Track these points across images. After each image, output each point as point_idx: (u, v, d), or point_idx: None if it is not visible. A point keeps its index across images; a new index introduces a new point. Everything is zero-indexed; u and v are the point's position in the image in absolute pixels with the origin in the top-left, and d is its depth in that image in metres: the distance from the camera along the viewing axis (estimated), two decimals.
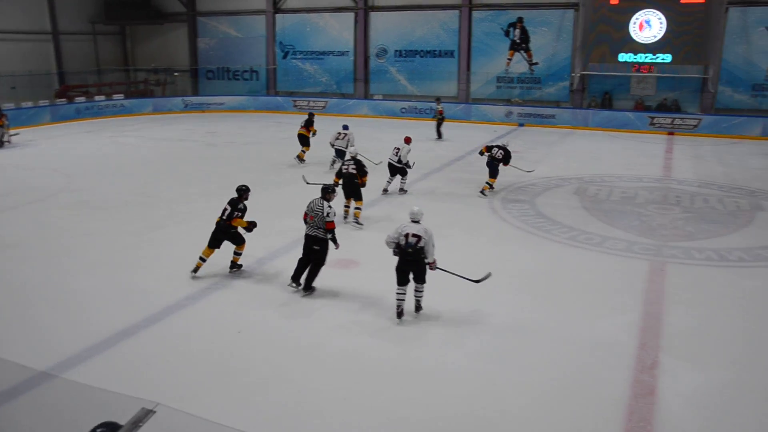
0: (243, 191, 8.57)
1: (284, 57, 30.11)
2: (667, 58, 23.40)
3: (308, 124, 16.77)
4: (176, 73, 31.65)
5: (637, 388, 5.93)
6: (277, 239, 10.16)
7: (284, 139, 20.91)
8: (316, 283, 8.07)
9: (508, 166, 13.44)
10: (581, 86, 25.45)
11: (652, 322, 7.35)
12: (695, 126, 22.78)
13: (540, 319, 7.43)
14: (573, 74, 25.33)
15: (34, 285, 8.44)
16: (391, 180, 13.40)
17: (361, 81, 28.66)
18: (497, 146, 13.29)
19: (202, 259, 8.51)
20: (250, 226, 8.46)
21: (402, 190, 13.51)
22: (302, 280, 8.06)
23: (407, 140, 13.51)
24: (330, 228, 7.82)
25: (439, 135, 21.41)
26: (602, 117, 24.15)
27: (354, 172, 11.13)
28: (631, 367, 6.31)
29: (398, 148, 13.16)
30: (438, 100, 22.96)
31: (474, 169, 16.12)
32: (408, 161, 13.16)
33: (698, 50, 23.31)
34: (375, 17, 28.20)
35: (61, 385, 5.09)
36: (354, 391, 5.84)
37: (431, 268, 7.29)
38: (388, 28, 28.00)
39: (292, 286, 8.05)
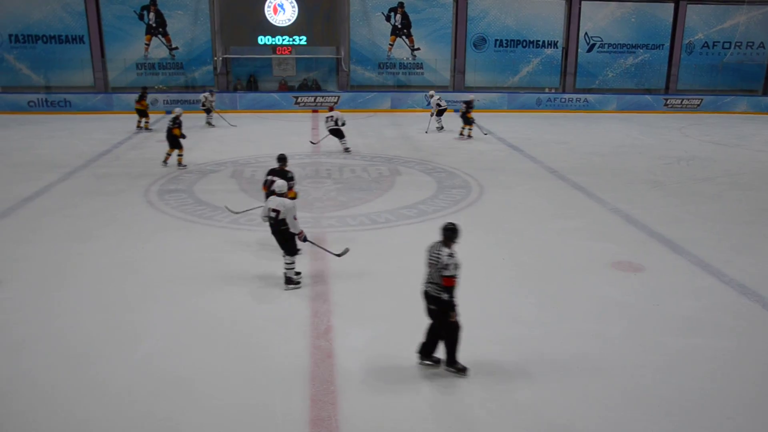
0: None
1: None
2: (303, 39, 24.64)
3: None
4: None
5: (316, 354, 6.12)
6: None
7: None
8: None
9: None
10: (225, 69, 25.50)
11: (320, 290, 7.66)
12: (335, 102, 24.47)
13: (215, 305, 7.24)
14: (215, 58, 25.21)
15: None
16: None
17: None
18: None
19: None
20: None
21: (347, 150, 16.16)
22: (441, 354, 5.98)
23: (331, 108, 16.93)
24: (448, 285, 5.59)
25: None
26: (249, 99, 24.54)
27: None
28: (308, 335, 6.50)
29: (331, 116, 15.90)
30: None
31: (124, 162, 15.08)
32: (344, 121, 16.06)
33: (330, 33, 25.04)
34: None
35: None
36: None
37: (300, 239, 7.60)
38: None
39: (425, 364, 5.97)
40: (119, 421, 5.10)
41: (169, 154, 14.41)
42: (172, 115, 14.19)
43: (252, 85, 25.79)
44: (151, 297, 7.50)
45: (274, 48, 24.89)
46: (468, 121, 18.67)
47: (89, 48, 24.74)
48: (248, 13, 24.45)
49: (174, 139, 14.15)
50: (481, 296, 7.48)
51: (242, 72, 25.93)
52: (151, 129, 19.71)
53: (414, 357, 5.98)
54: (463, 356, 5.87)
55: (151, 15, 24.85)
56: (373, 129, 20.35)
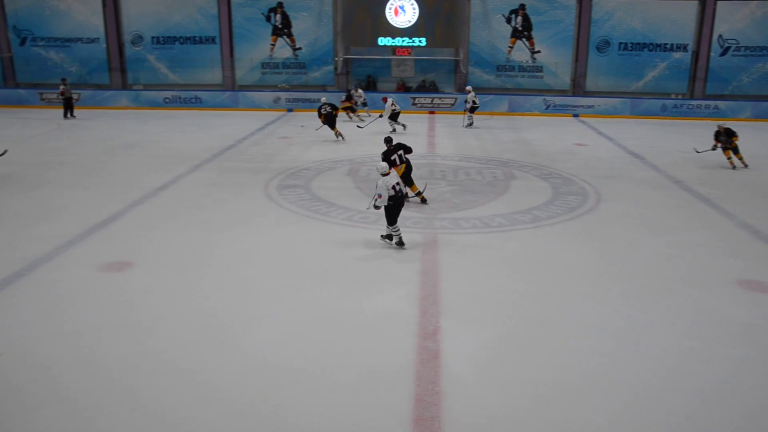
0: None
1: (22, 44, 26.88)
2: (423, 41, 24.82)
3: None
4: None
5: (423, 354, 6.16)
6: (37, 247, 9.02)
7: (33, 137, 18.77)
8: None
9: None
10: (345, 70, 26.10)
11: (430, 291, 7.70)
12: (452, 105, 24.51)
13: (325, 300, 7.43)
14: (336, 58, 25.86)
15: None
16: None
17: (117, 70, 26.61)
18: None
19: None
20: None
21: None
22: None
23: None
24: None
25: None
26: (367, 99, 24.93)
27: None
28: (415, 335, 6.55)
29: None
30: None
31: (246, 157, 15.81)
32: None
33: (449, 34, 25.07)
34: (126, 2, 26.23)
35: None
36: (141, 401, 5.36)
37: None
38: (143, 14, 26.23)
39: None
40: (232, 405, 5.36)
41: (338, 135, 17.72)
42: (321, 103, 18.08)
43: (370, 86, 26.25)
44: (266, 288, 7.81)
45: (393, 49, 25.22)
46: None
47: (220, 48, 26.10)
48: (369, 14, 24.92)
49: (332, 119, 17.80)
50: (593, 308, 7.27)
51: (361, 72, 26.44)
52: (363, 118, 21.97)
53: (522, 362, 5.91)
54: (570, 366, 5.75)
55: (278, 16, 25.85)
56: (490, 132, 20.19)
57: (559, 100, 24.73)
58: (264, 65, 26.27)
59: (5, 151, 13.73)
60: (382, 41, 25.00)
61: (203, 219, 10.55)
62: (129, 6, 26.24)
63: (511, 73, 25.96)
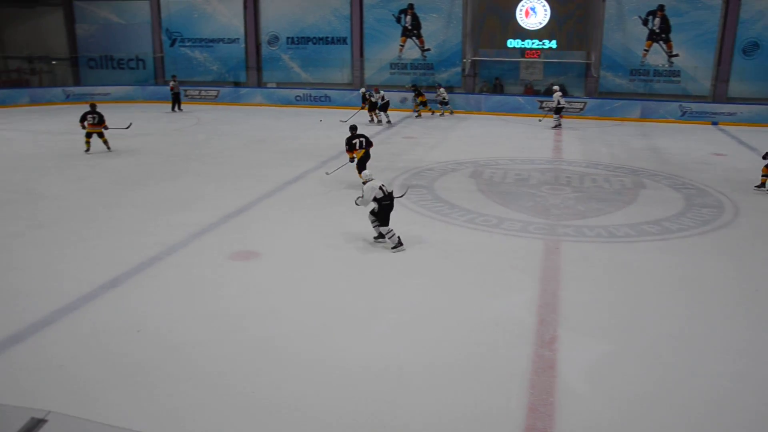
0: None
1: (172, 45, 28.98)
2: (553, 44, 24.32)
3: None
4: (54, 62, 29.77)
5: (538, 363, 6.10)
6: (173, 234, 9.75)
7: (177, 130, 20.17)
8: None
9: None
10: (473, 71, 26.04)
11: (549, 299, 7.59)
12: (581, 109, 23.85)
13: (442, 300, 7.50)
14: (464, 60, 25.85)
15: None
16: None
17: (253, 69, 28.03)
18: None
19: None
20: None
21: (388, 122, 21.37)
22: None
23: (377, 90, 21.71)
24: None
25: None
26: (494, 101, 24.81)
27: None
28: (531, 342, 6.48)
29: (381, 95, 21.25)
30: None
31: (372, 155, 16.14)
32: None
33: (581, 37, 24.40)
34: (265, 4, 27.61)
35: None
36: (258, 390, 5.68)
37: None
38: (279, 15, 27.51)
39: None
40: (344, 394, 5.55)
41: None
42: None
43: (497, 88, 26.03)
44: (382, 284, 7.98)
45: (522, 51, 24.88)
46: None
47: (350, 48, 26.84)
48: (499, 16, 24.73)
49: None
50: (723, 328, 6.88)
51: (489, 74, 26.28)
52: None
53: (643, 381, 5.73)
54: (696, 389, 5.51)
55: (408, 18, 26.21)
56: (619, 138, 19.47)
57: (696, 106, 23.40)
58: (392, 66, 26.72)
59: (130, 125, 17.07)
60: (511, 43, 24.74)
61: (327, 214, 10.93)
62: (267, 8, 27.55)
63: (646, 78, 24.86)
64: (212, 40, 28.41)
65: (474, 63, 25.98)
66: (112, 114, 23.40)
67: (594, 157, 16.14)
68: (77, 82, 29.26)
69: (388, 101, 21.76)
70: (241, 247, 9.19)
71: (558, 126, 20.84)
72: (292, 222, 10.52)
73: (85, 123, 15.95)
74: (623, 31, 24.63)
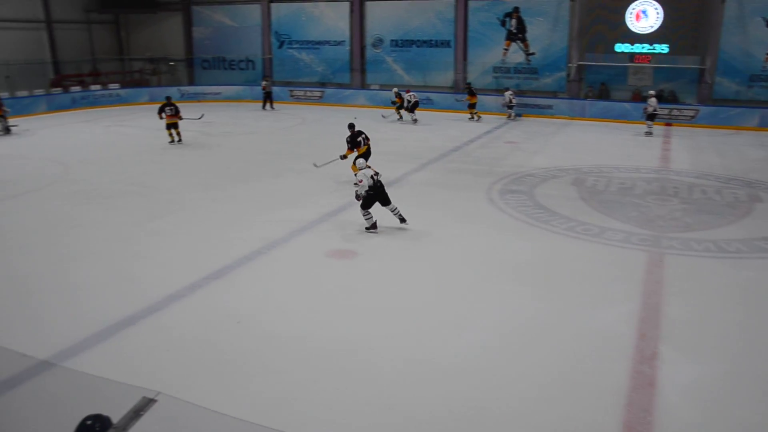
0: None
1: (280, 46, 29.95)
2: (664, 48, 23.36)
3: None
4: (172, 63, 31.49)
5: (637, 379, 5.94)
6: (275, 229, 10.15)
7: (281, 129, 20.85)
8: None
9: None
10: (578, 76, 25.39)
11: (651, 313, 7.35)
12: (693, 117, 22.78)
13: (539, 310, 7.42)
14: (570, 64, 25.25)
15: (34, 274, 8.42)
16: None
17: (357, 71, 28.53)
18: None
19: None
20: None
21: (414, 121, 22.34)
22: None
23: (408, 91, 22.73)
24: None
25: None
26: (599, 107, 24.11)
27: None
28: (630, 358, 6.31)
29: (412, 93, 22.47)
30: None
31: (471, 159, 16.14)
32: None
33: (695, 40, 23.30)
34: (370, 7, 28.04)
35: (61, 374, 5.07)
36: (349, 385, 5.84)
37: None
38: (384, 18, 27.86)
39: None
40: (434, 394, 5.61)
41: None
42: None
43: (603, 93, 25.27)
44: (476, 289, 7.98)
45: (631, 56, 24.02)
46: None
47: (454, 52, 26.81)
48: (608, 19, 23.99)
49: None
50: None
51: (595, 79, 25.53)
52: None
53: (750, 405, 5.47)
54: None
55: (513, 21, 25.87)
56: (734, 148, 18.46)
57: None
58: (495, 69, 26.47)
59: (202, 115, 18.95)
60: (620, 47, 23.92)
61: (425, 216, 11.02)
62: (373, 11, 27.99)
63: (766, 84, 23.41)
64: (318, 43, 29.15)
65: (580, 67, 25.32)
66: (220, 112, 24.59)
67: (705, 168, 15.43)
68: (191, 82, 30.83)
69: (417, 101, 22.88)
70: (338, 246, 9.45)
71: (649, 133, 20.09)
72: (391, 222, 10.69)
73: (163, 115, 17.73)
74: (744, 33, 23.27)
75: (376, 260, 8.99)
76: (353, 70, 28.61)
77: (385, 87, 27.76)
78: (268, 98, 26.21)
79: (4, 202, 11.91)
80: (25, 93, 24.07)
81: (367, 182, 9.80)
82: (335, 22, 28.61)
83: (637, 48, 23.62)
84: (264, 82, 26.49)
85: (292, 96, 28.33)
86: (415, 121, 22.58)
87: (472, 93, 23.78)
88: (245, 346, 6.52)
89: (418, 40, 27.39)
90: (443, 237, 10.01)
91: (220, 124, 21.99)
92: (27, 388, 4.44)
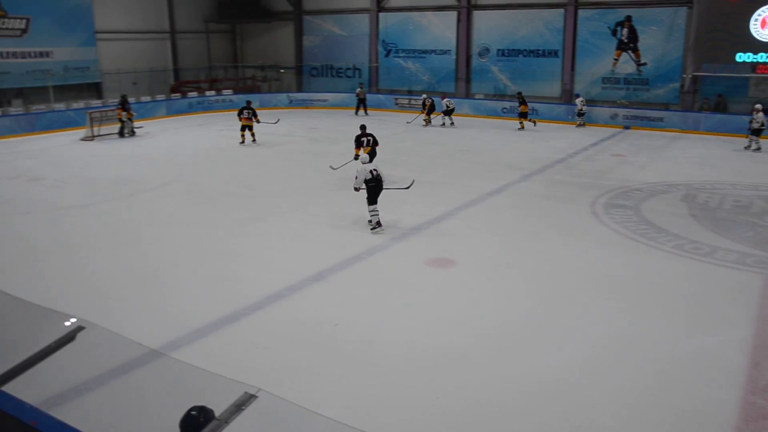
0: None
1: (386, 55, 30.37)
2: None
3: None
4: (282, 70, 32.67)
5: (749, 410, 5.63)
6: (372, 236, 10.33)
7: (385, 137, 21.11)
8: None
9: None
10: (693, 88, 24.25)
11: (766, 340, 6.95)
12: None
13: (643, 331, 7.18)
14: (685, 75, 24.15)
15: (146, 268, 8.98)
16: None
17: (462, 80, 28.49)
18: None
19: None
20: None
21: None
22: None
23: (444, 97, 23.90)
24: None
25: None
26: (715, 120, 22.90)
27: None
28: (741, 387, 6.00)
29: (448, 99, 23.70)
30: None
31: (576, 172, 15.76)
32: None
33: None
34: (478, 16, 27.96)
35: (170, 365, 5.38)
36: (447, 388, 5.86)
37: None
38: (491, 27, 27.69)
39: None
40: (526, 407, 5.54)
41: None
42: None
43: (720, 106, 23.99)
44: (573, 302, 7.84)
45: (753, 66, 22.70)
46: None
47: (561, 61, 26.26)
48: (729, 27, 22.76)
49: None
50: None
51: (711, 91, 24.27)
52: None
53: None
54: None
55: (624, 31, 25.06)
56: None
57: None
58: (604, 80, 25.72)
59: (278, 120, 20.37)
60: (741, 57, 22.66)
61: (525, 229, 10.89)
62: (480, 21, 27.88)
63: None
64: (424, 51, 29.34)
65: (695, 78, 24.17)
66: (326, 118, 25.26)
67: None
68: (300, 89, 31.82)
69: (453, 108, 23.97)
70: (437, 254, 9.49)
71: (756, 149, 18.96)
72: (492, 233, 10.64)
73: (241, 117, 18.87)
74: None
75: (475, 269, 8.98)
76: (458, 80, 28.58)
77: (489, 97, 27.59)
78: (361, 104, 27.17)
79: (123, 200, 12.77)
80: (148, 98, 25.73)
81: (363, 176, 10.33)
82: (442, 31, 28.71)
83: (761, 57, 22.29)
84: (358, 89, 27.52)
85: (396, 104, 28.63)
86: (452, 124, 23.79)
87: (523, 102, 23.40)
88: (342, 349, 6.68)
89: (525, 50, 27.03)
90: (544, 249, 9.85)
91: (326, 130, 22.57)
92: (138, 375, 4.75)
